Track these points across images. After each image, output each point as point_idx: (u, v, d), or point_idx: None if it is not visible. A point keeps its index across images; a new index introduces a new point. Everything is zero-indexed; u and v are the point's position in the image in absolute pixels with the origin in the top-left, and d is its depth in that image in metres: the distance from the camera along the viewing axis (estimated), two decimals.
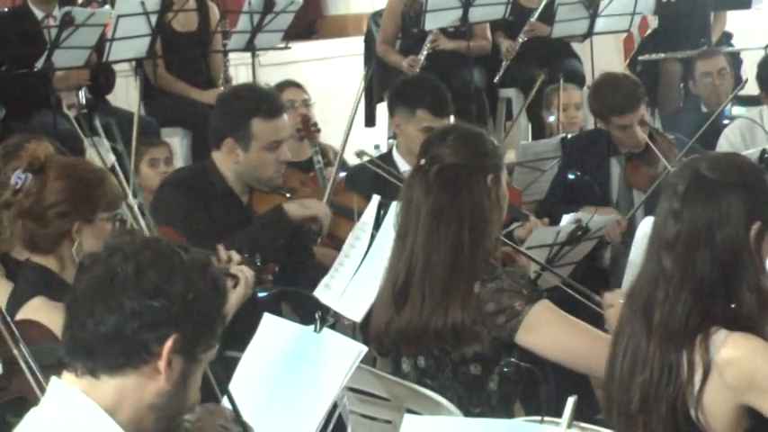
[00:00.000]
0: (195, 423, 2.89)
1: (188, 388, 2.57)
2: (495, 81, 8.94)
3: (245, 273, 4.55)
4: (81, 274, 2.58)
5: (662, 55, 9.07)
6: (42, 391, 3.25)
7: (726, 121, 7.03)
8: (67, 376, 2.52)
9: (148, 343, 2.48)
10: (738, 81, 7.71)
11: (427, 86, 6.11)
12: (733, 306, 3.16)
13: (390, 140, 7.98)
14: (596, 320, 4.42)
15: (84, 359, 2.50)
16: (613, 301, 3.97)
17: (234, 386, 3.67)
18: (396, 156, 6.06)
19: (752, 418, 3.15)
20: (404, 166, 5.90)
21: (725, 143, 6.53)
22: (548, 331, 3.79)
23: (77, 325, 2.51)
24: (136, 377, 2.50)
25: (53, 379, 2.55)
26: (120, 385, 2.49)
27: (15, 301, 4.07)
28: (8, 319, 3.57)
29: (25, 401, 3.33)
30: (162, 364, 2.49)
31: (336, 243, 5.33)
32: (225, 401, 3.02)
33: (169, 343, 2.48)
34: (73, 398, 2.49)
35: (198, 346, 2.55)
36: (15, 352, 3.43)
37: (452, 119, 5.89)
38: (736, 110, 7.52)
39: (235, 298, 4.45)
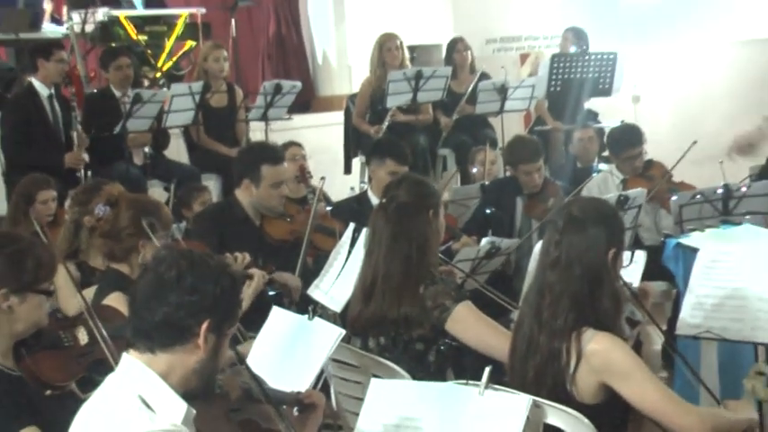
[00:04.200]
0: (225, 380, 2.90)
1: (219, 355, 2.57)
2: (437, 146, 8.91)
3: (258, 274, 4.55)
4: (138, 279, 2.57)
5: (549, 127, 9.12)
6: (112, 354, 3.29)
7: (594, 174, 7.07)
8: (133, 352, 2.51)
9: (190, 326, 2.48)
10: (602, 146, 7.75)
11: (393, 144, 6.16)
12: (597, 308, 3.17)
13: (362, 184, 8.00)
14: (502, 312, 4.44)
15: (144, 341, 2.49)
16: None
17: (251, 356, 3.68)
18: (370, 194, 6.02)
19: (608, 391, 3.17)
20: (375, 200, 5.87)
21: (586, 194, 6.56)
22: (467, 324, 3.77)
23: (138, 317, 2.51)
24: (182, 351, 2.49)
25: (124, 354, 2.54)
26: (171, 358, 2.48)
27: (101, 294, 4.07)
28: (90, 307, 3.57)
29: (104, 362, 3.33)
30: (200, 341, 2.49)
31: (323, 253, 5.33)
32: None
33: (204, 325, 2.48)
34: (137, 368, 2.48)
35: (224, 325, 2.55)
36: (95, 330, 3.44)
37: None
38: (602, 165, 7.55)
39: (251, 292, 4.46)
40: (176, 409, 2.45)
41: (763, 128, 6.56)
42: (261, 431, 2.80)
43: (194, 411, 2.49)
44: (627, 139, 6.80)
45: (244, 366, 3.00)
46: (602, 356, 3.10)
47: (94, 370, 3.33)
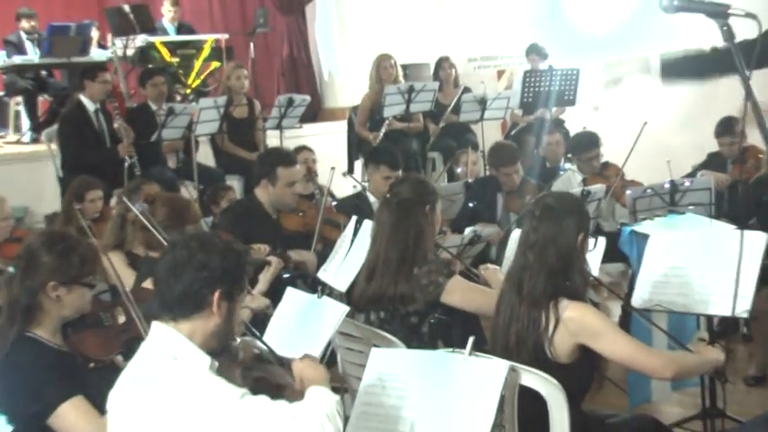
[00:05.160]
0: (240, 345, 2.90)
1: (233, 319, 2.59)
2: (427, 149, 8.90)
3: (275, 260, 4.54)
4: (158, 260, 2.59)
5: (522, 124, 9.09)
6: (147, 332, 3.27)
7: (561, 173, 7.06)
8: (160, 322, 2.53)
9: (205, 296, 2.50)
10: (568, 148, 7.75)
11: (387, 151, 6.13)
12: (568, 282, 3.19)
13: (363, 183, 7.99)
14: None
15: (168, 312, 2.52)
16: (488, 273, 4.05)
17: (269, 330, 3.69)
18: (368, 193, 6.02)
19: (581, 351, 3.19)
20: (372, 198, 5.88)
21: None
22: (459, 292, 3.79)
23: (160, 293, 2.53)
24: (200, 318, 2.51)
25: (153, 323, 2.56)
26: (192, 325, 2.51)
27: (139, 280, 4.06)
28: (127, 291, 3.56)
29: (140, 339, 3.32)
30: (215, 308, 2.51)
31: (329, 243, 5.32)
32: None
33: (216, 295, 2.50)
34: (166, 332, 2.51)
35: (234, 292, 2.56)
36: (132, 310, 3.44)
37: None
38: (567, 165, 7.54)
39: (269, 276, 4.45)
40: (201, 360, 2.47)
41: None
42: (272, 386, 2.81)
43: (217, 363, 2.50)
44: (586, 143, 6.89)
45: (255, 337, 3.02)
46: (577, 322, 3.12)
47: (132, 346, 3.33)
